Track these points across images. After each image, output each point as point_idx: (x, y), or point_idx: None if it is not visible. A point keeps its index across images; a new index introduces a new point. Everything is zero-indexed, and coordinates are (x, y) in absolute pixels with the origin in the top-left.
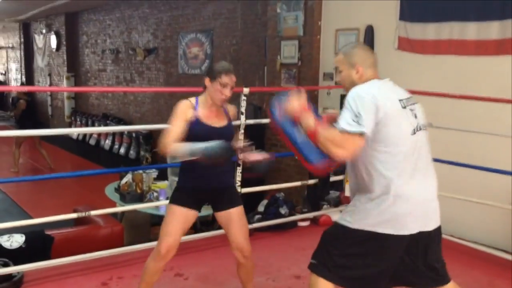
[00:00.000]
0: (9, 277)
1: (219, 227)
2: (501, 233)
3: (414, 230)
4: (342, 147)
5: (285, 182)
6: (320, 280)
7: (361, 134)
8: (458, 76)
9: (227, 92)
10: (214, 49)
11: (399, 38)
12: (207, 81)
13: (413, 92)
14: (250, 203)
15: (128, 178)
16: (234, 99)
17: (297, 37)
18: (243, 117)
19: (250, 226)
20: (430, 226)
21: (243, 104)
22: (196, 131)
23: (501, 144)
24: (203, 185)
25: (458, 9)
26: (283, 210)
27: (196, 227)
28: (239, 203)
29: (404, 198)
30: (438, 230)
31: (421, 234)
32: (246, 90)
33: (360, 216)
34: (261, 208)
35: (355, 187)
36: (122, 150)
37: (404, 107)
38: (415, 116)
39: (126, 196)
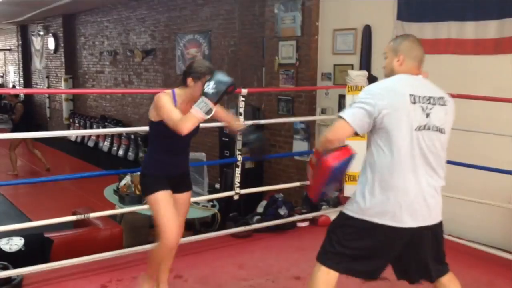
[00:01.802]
0: (8, 280)
1: (219, 228)
2: (501, 232)
3: (411, 224)
4: (331, 130)
5: (284, 182)
6: (322, 267)
7: (345, 120)
8: (457, 76)
9: None
10: (212, 50)
11: None
12: (189, 80)
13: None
14: (249, 204)
15: (127, 180)
16: (232, 100)
17: (295, 38)
18: (241, 118)
19: (249, 227)
20: (427, 222)
21: (242, 105)
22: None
23: (501, 143)
24: (170, 173)
25: (456, 9)
26: (282, 211)
27: (195, 229)
28: (190, 188)
29: (399, 192)
30: (437, 226)
31: (421, 229)
32: (244, 91)
33: (359, 206)
34: (260, 209)
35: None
36: (120, 152)
37: (414, 103)
38: (427, 115)
39: (125, 198)
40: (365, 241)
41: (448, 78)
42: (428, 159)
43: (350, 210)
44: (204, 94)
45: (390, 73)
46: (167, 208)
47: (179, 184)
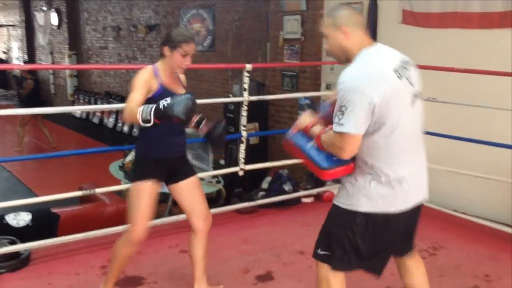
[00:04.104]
0: (16, 254)
1: (224, 204)
2: (504, 207)
3: (411, 204)
4: (340, 148)
5: (289, 158)
6: (332, 272)
7: (351, 134)
8: (463, 50)
9: (188, 62)
10: (216, 25)
11: (403, 12)
12: (166, 50)
13: (417, 66)
14: (254, 180)
15: (132, 155)
16: (237, 75)
17: (300, 12)
18: (246, 94)
19: (254, 203)
20: (419, 199)
21: (246, 80)
22: (164, 98)
23: (505, 118)
24: (170, 154)
25: None
26: (286, 187)
27: None
28: (195, 172)
29: (403, 179)
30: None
31: (414, 208)
32: (248, 67)
33: (370, 199)
34: (265, 185)
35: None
36: (125, 128)
37: (400, 77)
38: (411, 84)
39: (131, 173)
40: (382, 234)
41: (454, 52)
42: (418, 136)
43: (359, 206)
44: (156, 105)
45: (341, 52)
46: (145, 202)
47: (181, 169)
